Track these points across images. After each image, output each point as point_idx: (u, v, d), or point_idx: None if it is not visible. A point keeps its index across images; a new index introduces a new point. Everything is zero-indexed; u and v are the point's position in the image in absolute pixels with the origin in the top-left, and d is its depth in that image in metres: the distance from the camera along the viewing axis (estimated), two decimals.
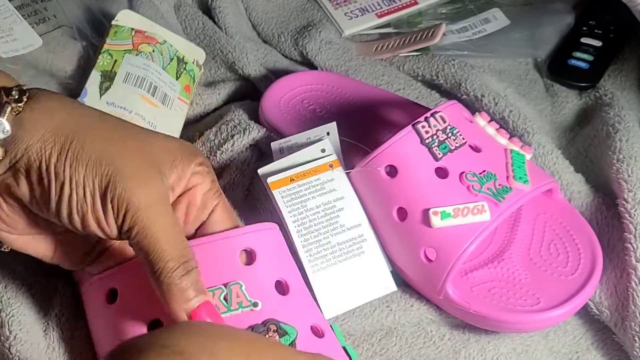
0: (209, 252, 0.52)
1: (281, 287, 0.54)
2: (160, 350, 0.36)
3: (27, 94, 0.51)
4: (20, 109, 0.50)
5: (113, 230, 0.50)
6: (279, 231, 0.57)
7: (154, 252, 0.48)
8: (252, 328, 0.51)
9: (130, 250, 0.53)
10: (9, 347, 0.55)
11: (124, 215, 0.49)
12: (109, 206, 0.49)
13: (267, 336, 0.51)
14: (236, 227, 0.55)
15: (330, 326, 0.56)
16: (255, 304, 0.52)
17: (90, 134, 0.50)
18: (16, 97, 0.51)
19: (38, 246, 0.54)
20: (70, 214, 0.49)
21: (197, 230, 0.55)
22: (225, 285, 0.52)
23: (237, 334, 0.40)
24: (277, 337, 0.51)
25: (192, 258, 0.49)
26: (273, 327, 0.51)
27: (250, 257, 0.54)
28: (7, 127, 0.50)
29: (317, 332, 0.54)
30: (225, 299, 0.52)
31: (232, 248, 0.53)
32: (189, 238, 0.52)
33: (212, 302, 0.50)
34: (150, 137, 0.53)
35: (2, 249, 0.55)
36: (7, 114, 0.50)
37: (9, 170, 0.50)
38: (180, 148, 0.54)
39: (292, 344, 0.51)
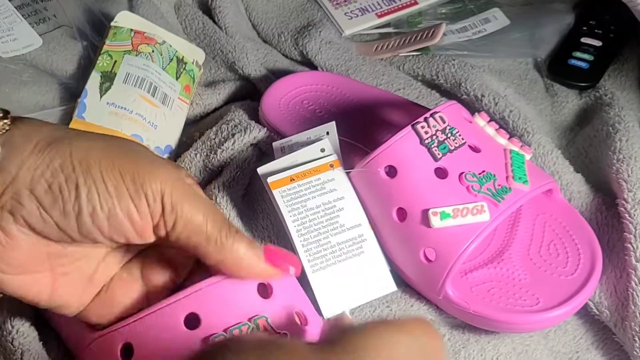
0: (226, 289, 0.50)
1: (301, 319, 0.53)
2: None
3: (9, 113, 0.47)
4: (7, 127, 0.47)
5: (148, 225, 0.47)
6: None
7: (201, 226, 0.47)
8: None
9: (135, 294, 0.51)
10: (12, 341, 0.55)
11: (162, 202, 0.47)
12: (143, 200, 0.46)
13: None
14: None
15: None
16: (285, 335, 0.50)
17: (85, 136, 0.48)
18: (0, 115, 0.47)
19: (35, 286, 0.48)
20: (93, 212, 0.46)
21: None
22: (250, 320, 0.50)
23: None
24: None
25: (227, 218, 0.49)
26: None
27: (266, 290, 0.52)
28: None
29: None
30: None
31: (249, 282, 0.51)
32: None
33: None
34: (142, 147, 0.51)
35: None
36: None
37: (5, 193, 0.46)
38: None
39: None
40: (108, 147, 0.48)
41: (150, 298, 0.52)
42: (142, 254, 0.53)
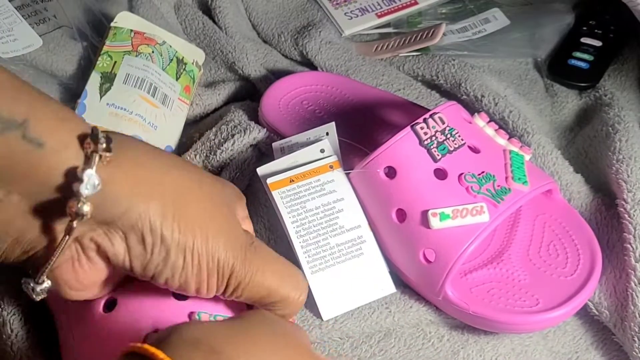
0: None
1: None
2: (195, 346, 0.36)
3: (112, 141, 0.45)
4: (108, 159, 0.44)
5: (212, 293, 0.49)
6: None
7: (268, 297, 0.50)
8: None
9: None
10: (11, 345, 0.56)
11: (229, 280, 0.49)
12: (215, 275, 0.48)
13: None
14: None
15: None
16: None
17: (187, 195, 0.48)
18: (104, 145, 0.44)
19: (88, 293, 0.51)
20: (172, 278, 0.47)
21: None
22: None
23: (280, 340, 0.40)
24: None
25: (304, 280, 0.53)
26: None
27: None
28: (97, 181, 0.43)
29: None
30: None
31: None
32: None
33: None
34: (220, 183, 0.53)
35: (39, 297, 0.49)
36: (95, 165, 0.43)
37: (100, 227, 0.46)
38: (235, 192, 0.55)
39: None
40: (203, 213, 0.48)
41: None
42: None
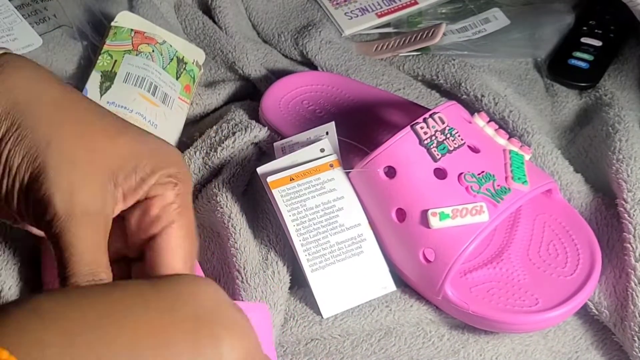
0: None
1: None
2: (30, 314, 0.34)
3: None
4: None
5: (31, 222, 0.47)
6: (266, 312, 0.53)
7: (64, 260, 0.45)
8: None
9: None
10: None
11: (44, 215, 0.46)
12: (30, 202, 0.46)
13: None
14: (190, 254, 0.50)
15: None
16: None
17: (41, 122, 0.47)
18: None
19: None
20: None
21: (147, 241, 0.49)
22: None
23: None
24: None
25: (102, 272, 0.46)
26: None
27: None
28: None
29: None
30: None
31: None
32: (135, 248, 0.50)
33: None
34: (122, 136, 0.49)
35: None
36: None
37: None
38: (151, 154, 0.49)
39: None
40: (49, 153, 0.46)
41: None
42: None
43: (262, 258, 0.63)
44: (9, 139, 0.46)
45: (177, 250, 0.49)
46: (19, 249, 0.60)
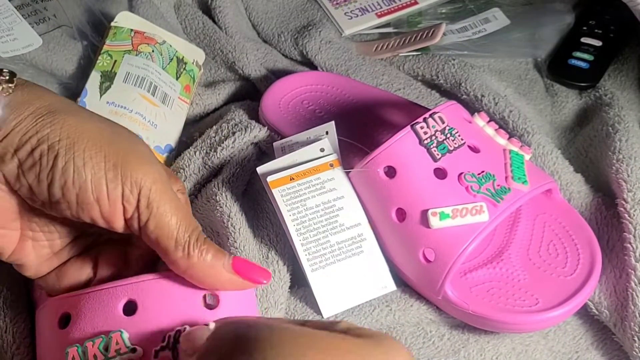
0: (169, 287, 0.51)
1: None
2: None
3: (16, 76, 0.49)
4: (11, 90, 0.48)
5: (118, 213, 0.48)
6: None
7: (172, 230, 0.48)
8: None
9: (83, 278, 0.53)
10: (12, 357, 0.56)
11: (139, 195, 0.47)
12: (120, 184, 0.47)
13: None
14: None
15: None
16: (133, 350, 0.49)
17: (84, 115, 0.49)
18: (7, 77, 0.48)
19: (2, 239, 0.51)
20: (64, 186, 0.47)
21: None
22: (106, 334, 0.50)
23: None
24: None
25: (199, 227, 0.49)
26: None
27: (213, 300, 0.52)
28: None
29: None
30: (105, 348, 0.49)
31: (196, 289, 0.51)
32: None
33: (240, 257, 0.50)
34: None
35: None
36: None
37: None
38: (164, 168, 0.53)
39: None
40: (101, 132, 0.49)
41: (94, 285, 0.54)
42: (101, 247, 0.55)
43: (263, 257, 0.63)
44: (63, 125, 0.47)
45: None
46: None
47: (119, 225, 0.49)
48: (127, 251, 0.55)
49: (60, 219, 0.52)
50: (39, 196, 0.48)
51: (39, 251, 0.53)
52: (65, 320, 0.51)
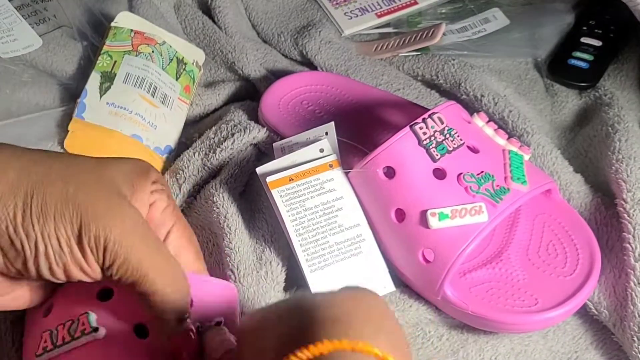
0: (71, 289, 0.52)
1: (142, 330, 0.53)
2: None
3: None
4: None
5: (97, 272, 0.48)
6: None
7: (141, 284, 0.48)
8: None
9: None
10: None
11: (104, 253, 0.47)
12: (87, 249, 0.47)
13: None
14: (197, 248, 0.55)
15: None
16: (96, 329, 0.50)
17: (47, 182, 0.48)
18: None
19: (17, 302, 0.52)
20: (50, 268, 0.47)
21: None
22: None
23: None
24: None
25: (184, 280, 0.49)
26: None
27: (109, 294, 0.53)
28: None
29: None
30: (74, 330, 0.51)
31: (90, 286, 0.51)
32: None
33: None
34: (103, 164, 0.50)
35: None
36: None
37: None
38: (133, 168, 0.51)
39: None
40: (66, 188, 0.48)
41: None
42: None
43: (257, 258, 0.63)
44: (31, 209, 0.47)
45: (188, 247, 0.54)
46: None
47: (99, 276, 0.49)
48: None
49: None
50: (30, 276, 0.48)
51: (37, 292, 0.53)
52: (48, 310, 0.53)
